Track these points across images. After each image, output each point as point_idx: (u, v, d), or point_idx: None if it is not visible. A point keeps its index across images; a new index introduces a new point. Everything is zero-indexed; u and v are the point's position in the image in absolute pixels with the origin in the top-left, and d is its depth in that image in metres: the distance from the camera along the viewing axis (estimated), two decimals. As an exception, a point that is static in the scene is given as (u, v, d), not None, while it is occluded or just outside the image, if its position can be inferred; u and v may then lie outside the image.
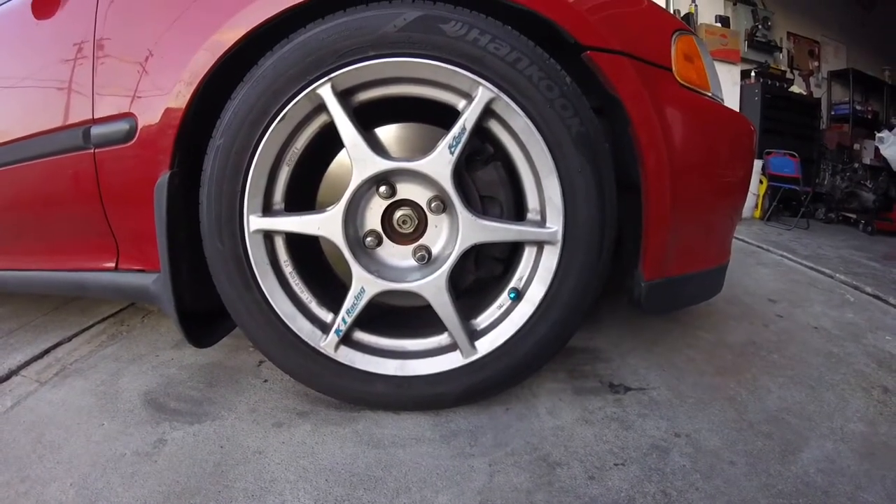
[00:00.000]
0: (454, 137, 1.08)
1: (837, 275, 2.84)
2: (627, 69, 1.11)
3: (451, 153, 1.08)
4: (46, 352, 1.63)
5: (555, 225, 1.12)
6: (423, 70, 1.06)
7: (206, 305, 1.28)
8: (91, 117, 1.25)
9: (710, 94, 1.32)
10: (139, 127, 1.19)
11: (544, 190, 1.12)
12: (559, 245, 1.13)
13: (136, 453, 1.10)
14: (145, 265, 1.32)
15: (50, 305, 2.02)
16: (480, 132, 1.13)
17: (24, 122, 1.40)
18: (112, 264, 1.37)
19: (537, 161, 1.10)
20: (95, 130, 1.25)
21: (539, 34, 1.09)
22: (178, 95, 1.14)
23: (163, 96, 1.16)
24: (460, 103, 1.10)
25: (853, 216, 5.53)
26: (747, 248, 3.65)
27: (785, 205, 5.60)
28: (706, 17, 5.84)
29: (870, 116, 7.04)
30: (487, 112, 1.08)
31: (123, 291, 1.37)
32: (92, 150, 1.26)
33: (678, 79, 1.21)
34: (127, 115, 1.21)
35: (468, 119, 1.07)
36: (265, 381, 1.39)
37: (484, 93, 1.06)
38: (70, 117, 1.29)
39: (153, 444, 1.13)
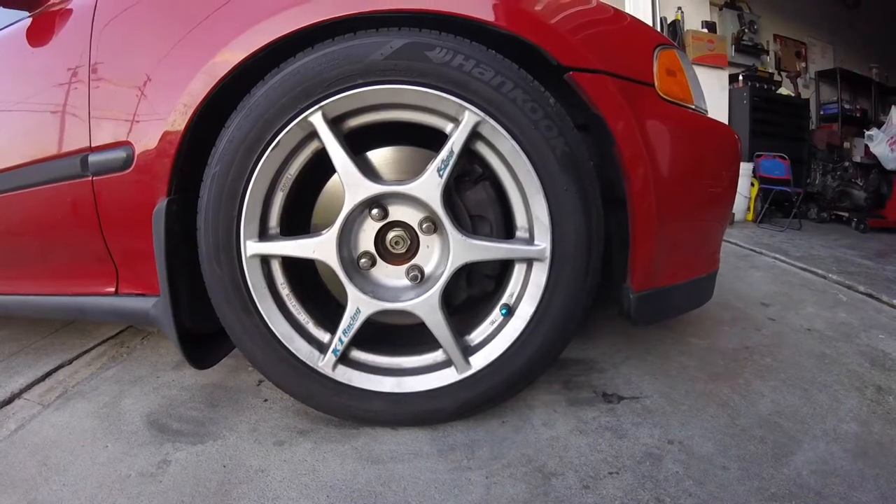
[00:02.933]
0: (443, 160, 1.10)
1: (830, 275, 2.86)
2: (609, 88, 1.14)
3: (440, 175, 1.11)
4: (48, 374, 1.64)
5: (543, 242, 1.14)
6: (411, 96, 1.09)
7: (206, 327, 1.29)
8: (88, 145, 1.27)
9: (693, 107, 1.34)
10: (136, 154, 1.21)
11: (532, 209, 1.14)
12: (548, 262, 1.15)
13: (141, 474, 1.12)
14: (145, 289, 1.33)
15: (49, 328, 2.03)
16: (469, 154, 1.15)
17: (23, 149, 1.42)
18: (112, 289, 1.39)
19: (524, 181, 1.13)
20: (93, 158, 1.27)
21: (522, 56, 1.11)
22: (174, 123, 1.16)
23: (159, 124, 1.18)
24: (448, 127, 1.13)
25: (845, 215, 5.55)
26: (740, 252, 3.67)
27: (777, 206, 5.61)
28: (692, 23, 5.87)
29: (859, 115, 7.09)
30: (474, 135, 1.11)
31: (124, 315, 1.38)
32: (90, 178, 1.27)
33: (661, 94, 1.24)
34: (124, 144, 1.22)
35: (455, 142, 1.09)
36: (265, 400, 1.41)
37: (470, 116, 1.08)
38: (68, 145, 1.31)
39: (157, 465, 1.14)
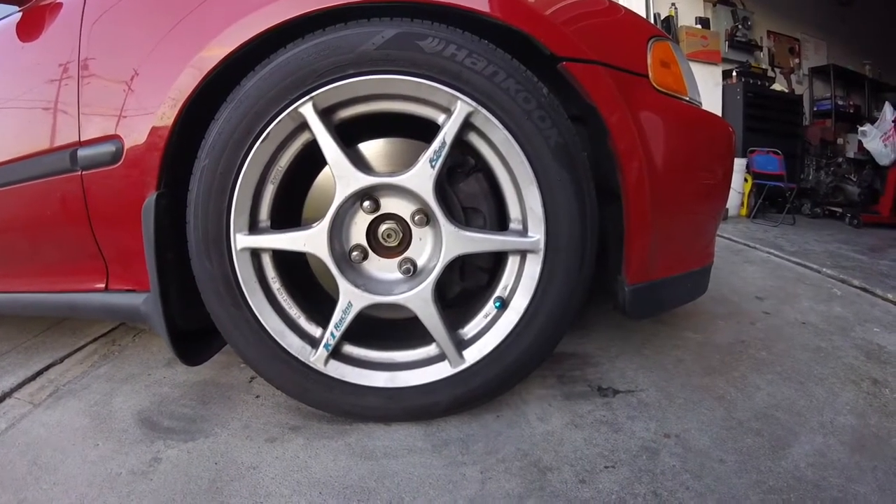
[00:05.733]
0: (435, 151, 1.09)
1: (824, 269, 2.87)
2: (603, 78, 1.13)
3: (433, 167, 1.09)
4: (39, 373, 1.62)
5: (537, 234, 1.14)
6: (403, 86, 1.08)
7: (197, 324, 1.28)
8: (77, 139, 1.26)
9: (687, 98, 1.34)
10: (125, 148, 1.20)
11: (525, 200, 1.14)
12: (542, 254, 1.14)
13: (132, 472, 1.10)
14: (135, 285, 1.32)
15: (40, 327, 2.01)
16: (461, 145, 1.14)
17: (10, 145, 1.40)
18: (102, 285, 1.37)
19: (517, 172, 1.12)
20: (82, 153, 1.25)
21: (515, 46, 1.10)
22: (163, 116, 1.14)
23: (148, 117, 1.16)
24: (440, 117, 1.11)
25: (839, 210, 5.58)
26: (734, 247, 3.68)
27: (771, 202, 5.64)
28: (686, 19, 5.90)
29: (852, 111, 7.14)
30: (467, 125, 1.10)
31: (114, 312, 1.37)
32: (79, 173, 1.26)
33: (655, 85, 1.23)
34: (113, 137, 1.21)
35: (448, 133, 1.08)
36: (257, 396, 1.40)
37: (462, 107, 1.07)
38: (57, 140, 1.30)
39: (148, 463, 1.13)
